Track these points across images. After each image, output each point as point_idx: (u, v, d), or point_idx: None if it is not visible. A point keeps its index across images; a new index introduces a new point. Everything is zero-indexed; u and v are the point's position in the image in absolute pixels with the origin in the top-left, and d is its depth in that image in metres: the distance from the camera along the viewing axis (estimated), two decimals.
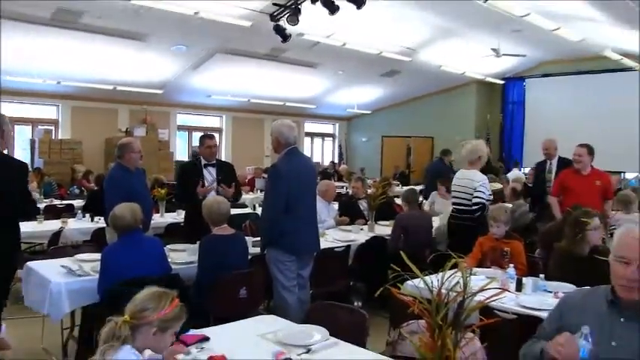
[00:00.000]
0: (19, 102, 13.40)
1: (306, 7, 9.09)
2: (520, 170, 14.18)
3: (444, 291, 2.05)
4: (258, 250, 4.78)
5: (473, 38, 12.50)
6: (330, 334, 2.89)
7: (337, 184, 12.62)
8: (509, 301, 3.61)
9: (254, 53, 12.72)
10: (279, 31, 9.83)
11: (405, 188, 9.29)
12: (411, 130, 18.19)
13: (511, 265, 4.34)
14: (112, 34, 10.53)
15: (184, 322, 2.28)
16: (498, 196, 7.28)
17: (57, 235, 6.25)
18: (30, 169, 10.31)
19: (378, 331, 3.84)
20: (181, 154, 15.99)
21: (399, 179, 15.46)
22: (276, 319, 3.33)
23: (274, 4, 9.44)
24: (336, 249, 5.63)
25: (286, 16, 9.45)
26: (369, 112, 19.22)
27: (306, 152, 18.96)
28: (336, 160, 19.32)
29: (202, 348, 2.69)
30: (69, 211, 7.83)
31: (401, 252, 2.37)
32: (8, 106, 12.37)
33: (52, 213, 7.60)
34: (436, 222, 6.83)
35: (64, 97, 13.54)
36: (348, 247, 5.75)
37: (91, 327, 4.08)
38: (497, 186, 8.46)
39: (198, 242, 4.44)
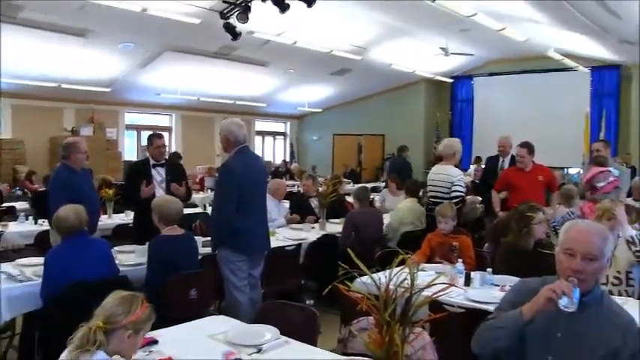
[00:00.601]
0: None
1: (256, 5, 9.03)
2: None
3: (392, 287, 2.06)
4: (208, 250, 4.74)
5: (422, 37, 12.64)
6: (282, 333, 2.88)
7: (289, 182, 12.63)
8: (458, 296, 3.66)
9: (204, 51, 12.56)
10: (229, 29, 9.74)
11: (357, 186, 9.35)
12: (361, 128, 18.32)
13: (459, 260, 4.42)
14: (55, 30, 10.18)
15: None
16: None
17: None
18: None
19: (330, 329, 3.86)
20: (130, 153, 15.70)
21: (350, 177, 15.54)
22: (226, 320, 3.31)
23: (224, 2, 9.35)
24: (286, 248, 5.63)
25: (236, 14, 9.36)
26: (320, 110, 19.25)
27: (257, 151, 18.86)
28: (288, 159, 19.29)
29: (150, 351, 2.65)
30: (11, 214, 7.59)
31: (349, 250, 2.38)
32: None
33: None
34: (387, 219, 6.90)
35: (3, 95, 13.02)
36: (299, 245, 5.75)
37: (32, 334, 3.96)
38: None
39: (147, 243, 4.36)
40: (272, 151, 20.38)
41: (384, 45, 13.16)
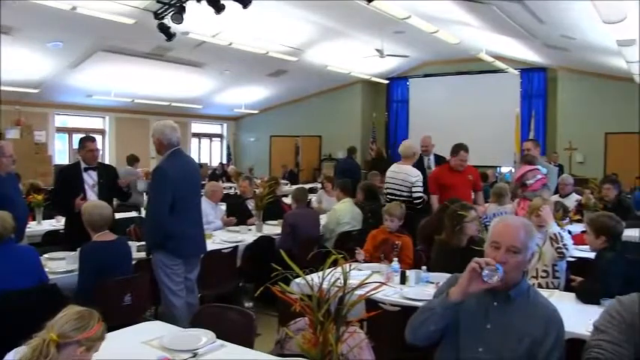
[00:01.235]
0: None
1: (191, 6, 8.89)
2: None
3: (326, 287, 2.08)
4: (143, 254, 4.65)
5: (358, 39, 12.76)
6: (219, 337, 2.85)
7: (226, 184, 12.51)
8: (394, 294, 3.73)
9: (138, 52, 12.29)
10: (164, 29, 9.56)
11: (294, 187, 9.36)
12: (298, 129, 18.36)
13: (395, 258, 4.49)
14: None
15: None
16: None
17: None
18: None
19: (269, 331, 3.85)
20: (62, 157, 15.21)
21: (288, 178, 15.54)
22: (162, 325, 3.25)
23: (158, 2, 9.17)
24: (223, 250, 5.58)
25: (171, 14, 9.19)
26: (256, 111, 19.16)
27: (194, 153, 18.67)
28: (225, 161, 19.12)
29: None
30: None
31: (282, 251, 2.38)
32: None
33: None
34: (324, 219, 6.94)
35: None
36: (236, 247, 5.71)
37: None
38: None
39: (78, 250, 4.24)
40: (209, 153, 20.15)
41: (320, 46, 13.21)
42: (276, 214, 7.07)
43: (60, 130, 15.65)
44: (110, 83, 13.83)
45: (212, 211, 6.74)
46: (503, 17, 9.07)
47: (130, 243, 4.68)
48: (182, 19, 9.10)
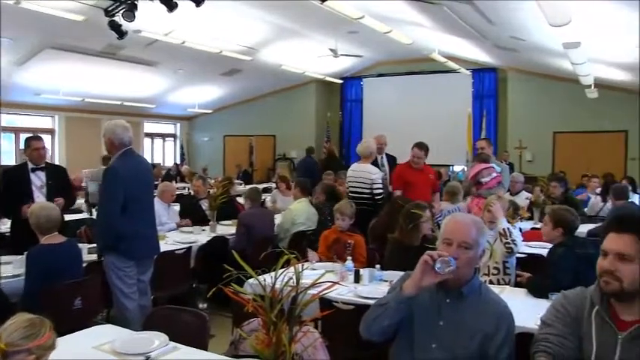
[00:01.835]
0: None
1: (143, 4, 8.75)
2: None
3: (278, 287, 2.07)
4: (94, 256, 4.57)
5: (312, 38, 12.77)
6: (173, 339, 2.82)
7: (180, 185, 12.39)
8: (348, 292, 3.75)
9: (88, 50, 12.01)
10: (115, 27, 9.36)
11: (248, 187, 9.31)
12: (252, 128, 18.26)
13: (349, 257, 4.51)
14: None
15: None
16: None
17: None
18: None
19: (224, 332, 3.82)
20: (8, 158, 14.74)
21: (242, 178, 15.46)
22: (114, 329, 3.20)
23: None
24: (176, 251, 5.52)
25: (122, 11, 9.02)
26: (210, 111, 18.98)
27: (147, 153, 18.38)
28: (179, 161, 18.89)
29: None
30: None
31: (234, 252, 2.36)
32: None
33: None
34: (278, 219, 6.92)
35: None
36: (190, 248, 5.65)
37: None
38: None
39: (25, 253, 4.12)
40: (162, 153, 19.87)
41: (274, 46, 13.18)
42: (230, 215, 7.02)
43: (6, 129, 15.16)
44: (60, 82, 13.48)
45: (165, 212, 6.66)
46: (455, 18, 9.21)
47: (80, 245, 4.59)
48: (134, 16, 8.94)
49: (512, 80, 15.18)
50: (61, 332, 3.03)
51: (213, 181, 9.30)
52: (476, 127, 14.66)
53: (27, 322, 2.10)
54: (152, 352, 2.69)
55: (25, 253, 4.08)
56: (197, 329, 3.05)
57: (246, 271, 2.12)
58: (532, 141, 14.65)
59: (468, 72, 15.50)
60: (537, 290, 3.72)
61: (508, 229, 4.33)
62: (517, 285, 4.17)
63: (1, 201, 5.52)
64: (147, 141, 19.08)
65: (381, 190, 6.75)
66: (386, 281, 4.04)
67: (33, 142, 5.47)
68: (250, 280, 2.20)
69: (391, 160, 7.85)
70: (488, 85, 15.92)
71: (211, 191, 7.31)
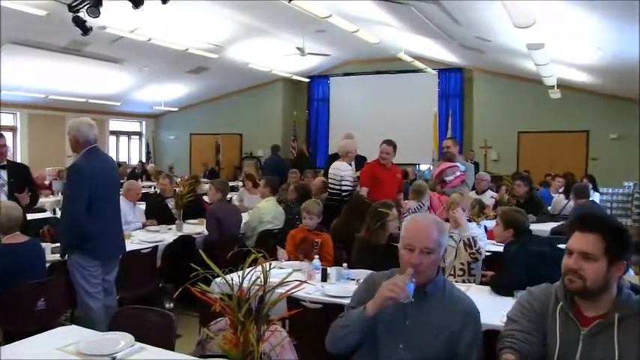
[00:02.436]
0: None
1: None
2: None
3: (246, 286, 2.06)
4: (58, 256, 4.49)
5: (279, 37, 12.74)
6: (139, 339, 2.78)
7: (146, 183, 12.24)
8: (316, 291, 3.75)
9: (52, 46, 11.76)
10: (79, 23, 9.15)
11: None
12: (219, 127, 18.16)
13: (316, 256, 4.52)
14: None
15: None
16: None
17: None
18: None
19: (191, 331, 3.79)
20: None
21: (208, 176, 15.35)
22: (78, 329, 3.14)
23: None
24: (142, 250, 5.45)
25: (86, 7, 8.84)
26: (176, 109, 18.79)
27: (112, 151, 18.14)
28: (144, 159, 18.67)
29: None
30: None
31: (201, 251, 2.35)
32: None
33: None
34: (245, 217, 6.90)
35: None
36: (156, 247, 5.59)
37: None
38: None
39: None
40: (127, 151, 19.61)
41: (241, 44, 13.11)
42: (197, 213, 6.97)
43: None
44: (21, 78, 13.17)
45: (130, 211, 6.58)
46: (422, 18, 9.29)
47: (43, 245, 4.51)
48: (99, 12, 8.75)
49: (477, 80, 15.38)
50: (24, 333, 2.99)
51: (179, 179, 9.22)
52: (442, 126, 14.79)
53: None
54: (118, 352, 2.65)
55: None
56: (164, 329, 3.01)
57: (214, 270, 2.11)
58: (497, 140, 14.88)
59: (434, 72, 15.65)
60: (498, 288, 3.78)
61: (473, 238, 4.38)
62: (483, 283, 4.22)
63: None
64: (112, 139, 18.81)
65: (348, 187, 6.84)
66: (353, 280, 4.05)
67: None
68: (218, 280, 2.18)
69: (361, 159, 7.87)
70: (454, 85, 16.11)
71: (177, 190, 7.24)
